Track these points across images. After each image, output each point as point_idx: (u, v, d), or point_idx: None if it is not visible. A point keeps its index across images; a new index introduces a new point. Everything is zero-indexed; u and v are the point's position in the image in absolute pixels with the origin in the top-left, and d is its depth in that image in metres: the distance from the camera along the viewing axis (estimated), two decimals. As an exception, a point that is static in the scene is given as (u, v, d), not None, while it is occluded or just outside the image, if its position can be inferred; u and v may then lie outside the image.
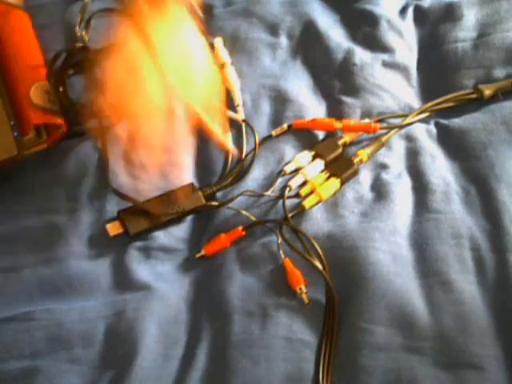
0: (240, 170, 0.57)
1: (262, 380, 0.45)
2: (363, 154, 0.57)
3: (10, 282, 0.50)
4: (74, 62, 0.62)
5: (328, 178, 0.55)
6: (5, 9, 0.62)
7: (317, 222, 0.53)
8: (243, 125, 0.59)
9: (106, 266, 0.51)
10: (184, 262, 0.52)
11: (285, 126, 0.59)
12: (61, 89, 0.57)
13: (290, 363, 0.46)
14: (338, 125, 0.58)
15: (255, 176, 0.56)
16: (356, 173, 0.56)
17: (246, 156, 0.58)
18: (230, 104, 0.60)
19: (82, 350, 0.47)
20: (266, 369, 0.46)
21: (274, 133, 0.59)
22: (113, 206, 0.54)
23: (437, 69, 0.63)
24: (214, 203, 0.54)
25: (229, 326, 0.48)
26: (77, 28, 0.62)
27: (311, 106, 0.61)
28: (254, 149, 0.58)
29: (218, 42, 0.63)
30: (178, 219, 0.54)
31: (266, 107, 0.61)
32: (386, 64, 0.63)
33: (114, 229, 0.52)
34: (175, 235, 0.53)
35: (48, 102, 0.56)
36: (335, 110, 0.61)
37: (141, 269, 0.51)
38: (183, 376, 0.46)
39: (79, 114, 0.56)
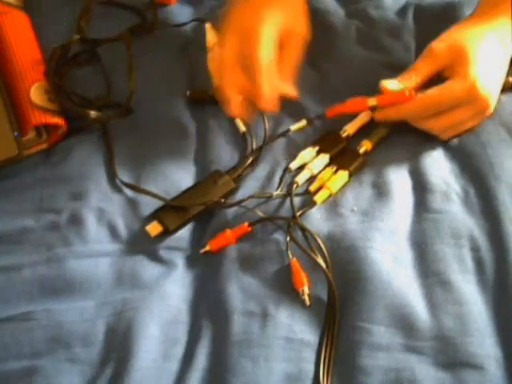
0: (259, 151, 0.57)
1: (261, 380, 0.45)
2: (368, 143, 0.56)
3: (10, 282, 0.50)
4: (73, 55, 0.62)
5: (336, 171, 0.55)
6: (5, 9, 0.63)
7: (316, 221, 0.53)
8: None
9: (107, 265, 0.51)
10: (184, 262, 0.52)
11: (304, 121, 0.59)
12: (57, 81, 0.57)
13: (290, 363, 0.46)
14: (371, 102, 0.56)
15: (259, 175, 0.56)
16: (364, 163, 0.56)
17: (264, 142, 0.58)
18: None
19: (82, 349, 0.47)
20: (265, 369, 0.46)
21: (291, 128, 0.59)
22: (114, 206, 0.54)
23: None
24: (223, 201, 0.54)
25: (229, 326, 0.48)
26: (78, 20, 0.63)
27: (311, 105, 0.61)
28: (265, 142, 0.58)
29: (207, 26, 0.63)
30: (209, 209, 0.54)
31: None
32: (383, 64, 0.63)
33: (154, 229, 0.52)
34: (176, 235, 0.53)
35: (48, 102, 0.56)
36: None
37: (141, 269, 0.51)
38: (183, 376, 0.46)
39: (79, 108, 0.57)
